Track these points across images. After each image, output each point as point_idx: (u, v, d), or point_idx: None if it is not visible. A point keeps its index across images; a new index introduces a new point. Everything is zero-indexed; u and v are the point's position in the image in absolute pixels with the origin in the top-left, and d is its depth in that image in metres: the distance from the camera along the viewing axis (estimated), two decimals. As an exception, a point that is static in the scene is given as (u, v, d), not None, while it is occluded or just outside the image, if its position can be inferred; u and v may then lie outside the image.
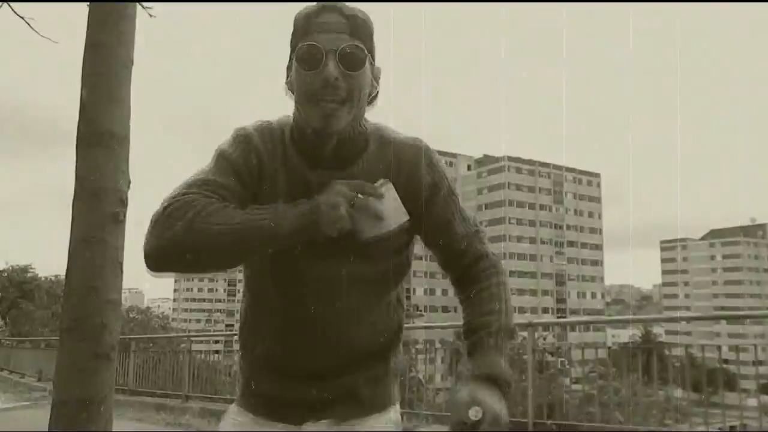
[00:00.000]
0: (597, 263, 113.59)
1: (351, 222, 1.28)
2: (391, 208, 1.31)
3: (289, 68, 1.41)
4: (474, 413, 1.20)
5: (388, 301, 1.50)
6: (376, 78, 1.42)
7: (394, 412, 1.54)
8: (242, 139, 1.42)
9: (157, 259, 1.27)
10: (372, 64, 1.39)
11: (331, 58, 1.31)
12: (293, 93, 1.39)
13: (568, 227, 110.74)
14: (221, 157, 1.39)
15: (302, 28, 1.36)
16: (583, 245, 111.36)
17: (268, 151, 1.41)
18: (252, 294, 1.52)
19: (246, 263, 1.48)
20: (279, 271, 1.41)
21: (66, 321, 3.28)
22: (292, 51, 1.38)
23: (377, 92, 1.44)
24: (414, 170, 1.42)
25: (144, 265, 1.28)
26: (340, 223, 1.27)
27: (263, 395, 1.49)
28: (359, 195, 1.29)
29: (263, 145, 1.41)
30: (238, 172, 1.37)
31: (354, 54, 1.33)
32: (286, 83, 1.42)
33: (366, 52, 1.36)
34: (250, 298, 1.52)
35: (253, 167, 1.39)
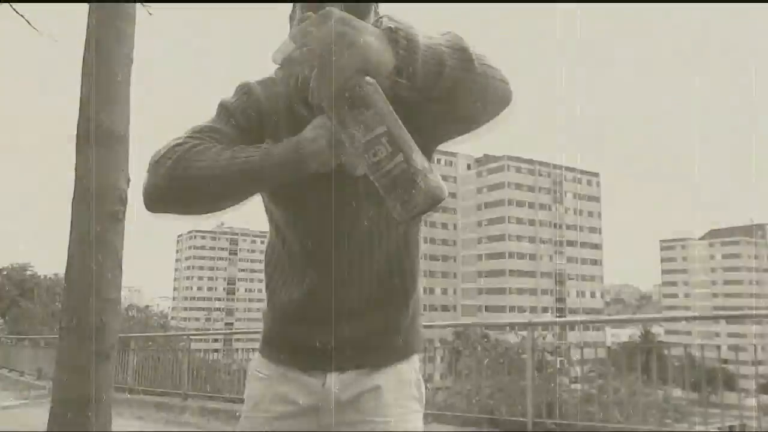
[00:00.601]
0: (596, 263, 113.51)
1: (336, 155, 1.21)
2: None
3: (292, 17, 1.41)
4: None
5: (400, 235, 1.48)
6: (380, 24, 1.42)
7: (416, 360, 1.54)
8: (244, 90, 1.42)
9: (150, 200, 1.27)
10: (377, 10, 1.38)
11: (336, 6, 1.28)
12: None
13: (568, 227, 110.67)
14: (221, 107, 1.40)
15: None
16: (583, 245, 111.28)
17: (270, 102, 1.41)
18: (275, 242, 1.52)
19: (268, 214, 1.49)
20: (296, 214, 1.42)
21: (65, 319, 3.28)
22: None
23: None
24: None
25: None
26: (322, 156, 1.21)
27: (287, 342, 1.50)
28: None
29: (265, 96, 1.41)
30: (236, 121, 1.37)
31: (359, 2, 1.32)
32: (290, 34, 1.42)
33: None
34: (273, 245, 1.53)
35: (253, 117, 1.39)
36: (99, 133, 3.33)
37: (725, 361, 7.73)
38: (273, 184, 1.34)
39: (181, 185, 1.23)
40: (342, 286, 1.43)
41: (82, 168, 3.33)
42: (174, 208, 1.30)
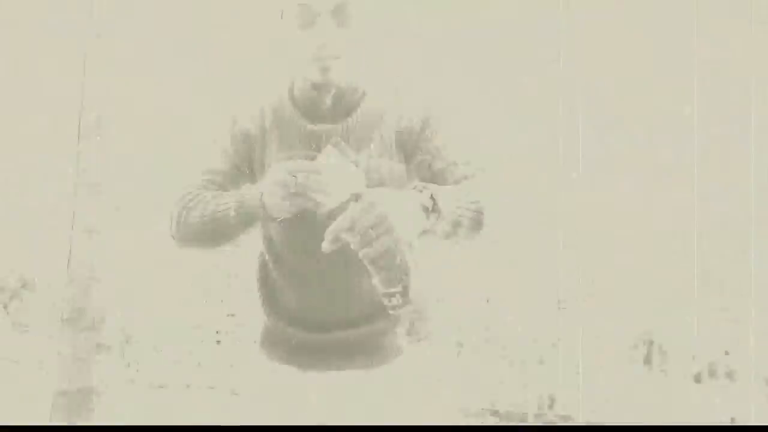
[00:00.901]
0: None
1: (296, 204, 1.21)
2: (343, 176, 1.19)
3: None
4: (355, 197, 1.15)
5: None
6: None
7: (415, 355, 1.56)
8: (231, 119, 1.48)
9: (176, 243, 1.44)
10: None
11: (324, 15, 1.30)
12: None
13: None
14: (216, 144, 1.48)
15: None
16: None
17: (255, 123, 1.45)
18: (268, 247, 1.53)
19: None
20: (287, 230, 1.43)
21: (67, 311, 3.28)
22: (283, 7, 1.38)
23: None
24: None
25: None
26: (283, 209, 1.22)
27: (285, 342, 1.51)
28: (296, 176, 1.20)
29: (249, 118, 1.46)
30: (228, 155, 1.45)
31: (347, 9, 1.32)
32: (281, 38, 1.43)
33: None
34: (265, 252, 1.55)
35: (242, 145, 1.45)
36: (101, 122, 3.33)
37: (726, 353, 7.74)
38: (252, 226, 1.39)
39: (186, 234, 1.41)
40: (337, 302, 1.45)
41: (83, 158, 3.33)
42: (194, 248, 1.46)
